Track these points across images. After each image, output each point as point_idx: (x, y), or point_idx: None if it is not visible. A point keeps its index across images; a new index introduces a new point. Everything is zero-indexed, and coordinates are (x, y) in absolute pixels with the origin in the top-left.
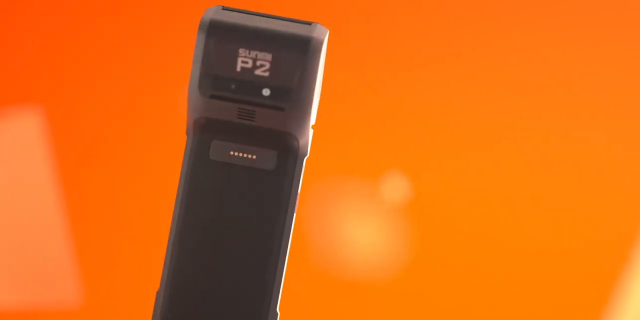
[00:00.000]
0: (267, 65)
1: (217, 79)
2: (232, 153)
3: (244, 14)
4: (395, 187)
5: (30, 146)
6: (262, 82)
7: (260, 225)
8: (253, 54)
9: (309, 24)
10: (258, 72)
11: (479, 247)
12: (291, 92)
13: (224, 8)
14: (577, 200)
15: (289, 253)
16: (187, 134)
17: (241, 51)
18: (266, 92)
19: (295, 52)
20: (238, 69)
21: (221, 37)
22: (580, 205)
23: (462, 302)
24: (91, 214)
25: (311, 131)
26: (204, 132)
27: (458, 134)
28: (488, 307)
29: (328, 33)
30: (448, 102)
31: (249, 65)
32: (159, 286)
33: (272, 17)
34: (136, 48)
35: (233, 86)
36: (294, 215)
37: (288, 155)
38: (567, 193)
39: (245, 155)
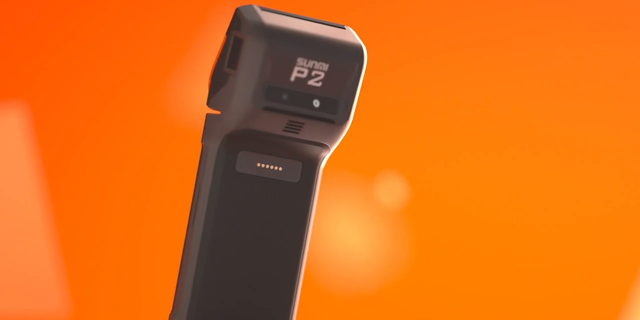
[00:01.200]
0: (322, 76)
1: (272, 90)
2: (259, 164)
3: (282, 15)
4: (394, 188)
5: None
6: (314, 93)
7: (284, 239)
8: (311, 63)
9: (343, 27)
10: (311, 82)
11: (480, 248)
12: (343, 104)
13: (262, 8)
14: (578, 200)
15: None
16: (203, 141)
17: (299, 60)
18: (316, 103)
19: (350, 62)
20: (292, 79)
21: (281, 45)
22: (581, 205)
23: (463, 302)
24: (83, 218)
25: None
26: (233, 142)
27: (459, 134)
28: (488, 308)
29: None
30: (449, 103)
31: (304, 75)
32: (172, 308)
33: (305, 19)
34: (127, 46)
35: (285, 97)
36: (312, 226)
37: (313, 165)
38: (569, 193)
39: (272, 166)
